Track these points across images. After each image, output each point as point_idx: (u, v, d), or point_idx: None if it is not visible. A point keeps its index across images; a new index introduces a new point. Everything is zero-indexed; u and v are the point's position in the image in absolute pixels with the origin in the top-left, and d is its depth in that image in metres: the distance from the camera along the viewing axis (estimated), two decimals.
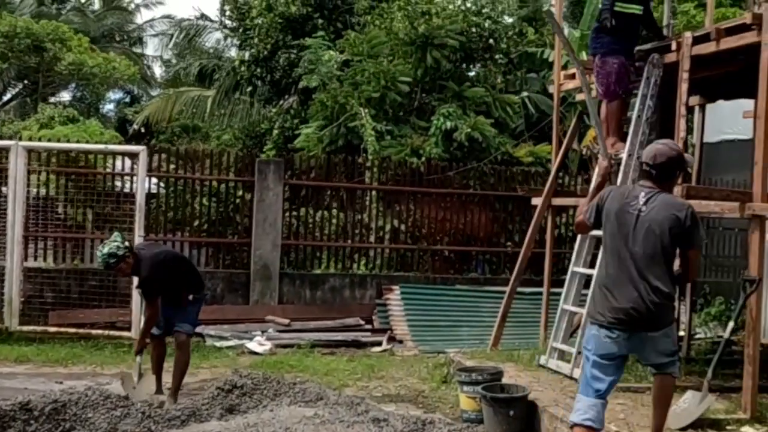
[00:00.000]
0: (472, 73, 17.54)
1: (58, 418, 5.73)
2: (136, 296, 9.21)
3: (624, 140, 7.61)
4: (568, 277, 7.77)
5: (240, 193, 11.36)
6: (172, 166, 10.95)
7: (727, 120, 12.27)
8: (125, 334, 9.37)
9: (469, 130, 14.76)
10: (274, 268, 10.82)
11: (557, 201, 9.34)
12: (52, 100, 29.14)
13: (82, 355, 8.87)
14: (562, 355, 7.57)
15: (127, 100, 34.81)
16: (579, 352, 7.12)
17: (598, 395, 4.71)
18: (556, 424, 5.97)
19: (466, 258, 12.48)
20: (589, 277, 7.72)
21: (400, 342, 10.48)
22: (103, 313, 9.75)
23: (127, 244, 6.63)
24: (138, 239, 9.20)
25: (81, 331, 9.44)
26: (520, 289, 11.72)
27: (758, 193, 6.11)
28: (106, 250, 6.50)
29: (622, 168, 7.35)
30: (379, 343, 10.34)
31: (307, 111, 17.35)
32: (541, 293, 11.71)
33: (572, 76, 9.17)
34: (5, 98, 30.90)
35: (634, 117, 7.45)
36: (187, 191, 11.18)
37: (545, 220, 9.33)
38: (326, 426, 5.88)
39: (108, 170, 10.86)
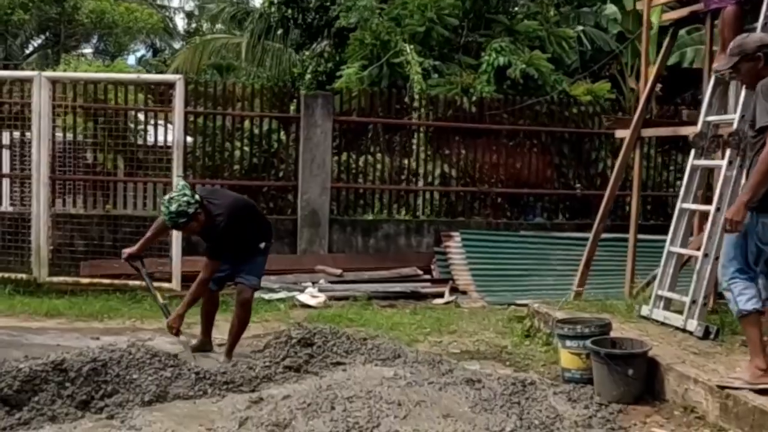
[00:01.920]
0: (518, 8, 16.19)
1: (98, 379, 4.83)
2: (176, 244, 8.30)
3: None
4: (675, 214, 6.71)
5: (282, 132, 10.36)
6: (209, 105, 9.94)
7: None
8: (165, 285, 8.46)
9: (523, 66, 13.63)
10: (323, 214, 9.85)
11: (648, 132, 8.24)
12: (74, 53, 28.29)
13: (118, 308, 8.00)
14: (668, 305, 6.55)
15: (150, 54, 33.88)
16: (693, 301, 6.13)
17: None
18: (687, 384, 4.97)
19: (526, 202, 11.37)
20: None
21: (464, 293, 9.52)
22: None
23: (197, 197, 5.57)
24: (176, 181, 8.24)
25: (116, 282, 8.56)
26: (605, 235, 10.73)
27: None
28: (174, 207, 5.47)
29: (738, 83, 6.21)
30: (441, 295, 9.39)
31: (341, 54, 16.25)
32: (617, 240, 10.74)
33: None
34: (27, 51, 30.08)
35: (760, 25, 6.27)
36: (226, 131, 10.19)
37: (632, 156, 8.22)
38: (414, 389, 4.94)
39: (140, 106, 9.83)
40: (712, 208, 6.22)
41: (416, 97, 11.36)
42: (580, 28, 16.55)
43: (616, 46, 17.13)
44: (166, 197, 5.64)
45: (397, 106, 10.78)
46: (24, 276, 8.54)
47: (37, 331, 6.99)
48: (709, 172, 6.96)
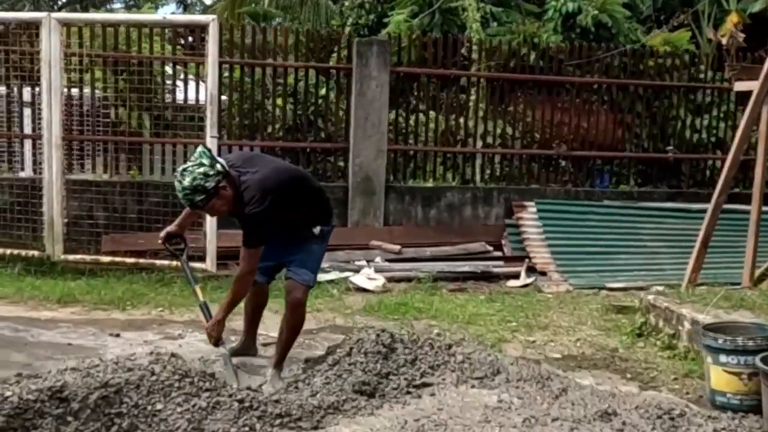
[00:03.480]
0: None
1: (110, 412, 3.60)
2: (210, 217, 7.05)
3: None
4: None
5: (332, 87, 8.99)
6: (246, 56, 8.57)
7: None
8: (197, 265, 7.22)
9: (595, 12, 12.08)
10: (378, 181, 8.51)
11: None
12: (103, 9, 27.13)
13: (143, 293, 6.78)
14: None
15: (181, 10, 32.61)
16: None
17: None
18: None
19: (594, 167, 9.83)
20: None
21: (543, 274, 8.16)
22: None
23: (219, 166, 4.25)
24: (210, 142, 6.97)
25: (141, 261, 7.34)
26: (685, 206, 9.32)
27: None
28: (187, 181, 4.17)
29: None
30: (516, 275, 8.05)
31: (384, 5, 14.84)
32: (724, 211, 9.28)
33: None
34: (56, 7, 29.01)
35: None
36: (265, 85, 8.86)
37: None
38: (530, 426, 3.64)
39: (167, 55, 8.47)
40: None
41: (474, 47, 9.82)
42: None
43: None
44: (179, 168, 4.33)
45: (453, 59, 9.28)
46: (36, 253, 7.36)
47: (46, 324, 5.79)
48: None
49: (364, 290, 7.25)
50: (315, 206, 4.77)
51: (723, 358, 4.30)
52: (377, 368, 4.19)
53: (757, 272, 6.97)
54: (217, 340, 4.66)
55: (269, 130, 8.82)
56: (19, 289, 6.73)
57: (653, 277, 8.11)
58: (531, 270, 8.18)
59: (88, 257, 7.35)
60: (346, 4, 16.45)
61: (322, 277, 7.58)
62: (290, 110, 8.93)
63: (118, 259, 7.32)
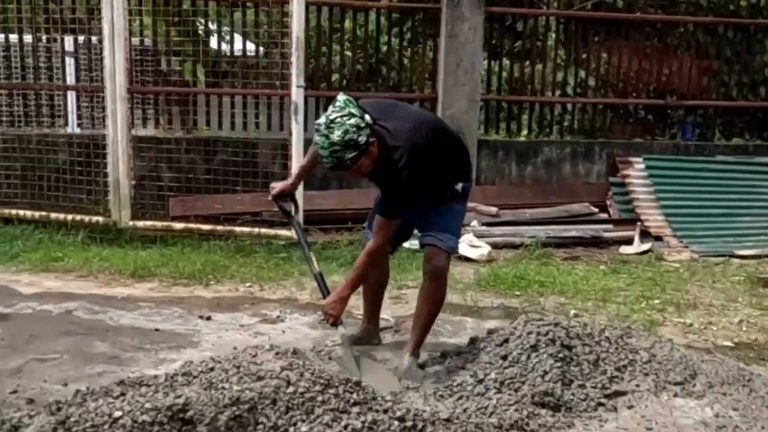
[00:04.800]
0: None
1: None
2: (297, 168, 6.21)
3: None
4: None
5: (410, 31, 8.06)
6: None
7: None
8: (281, 232, 6.47)
9: None
10: (471, 134, 7.60)
11: None
12: None
13: (225, 264, 6.01)
14: None
15: None
16: None
17: None
18: None
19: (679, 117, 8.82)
20: None
21: (658, 239, 7.28)
22: (243, 201, 6.80)
23: (368, 117, 3.52)
24: (296, 93, 6.12)
25: (218, 228, 6.57)
26: None
27: None
28: (338, 135, 3.42)
29: None
30: (628, 241, 7.20)
31: None
32: None
33: None
34: None
35: None
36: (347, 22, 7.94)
37: None
38: None
39: None
40: None
41: None
42: None
43: None
44: (322, 121, 3.51)
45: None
46: (101, 219, 6.62)
47: (124, 303, 5.05)
48: None
49: (469, 259, 6.44)
50: (457, 160, 3.96)
51: None
52: (554, 369, 3.37)
53: None
54: (336, 319, 3.91)
55: (344, 72, 7.91)
56: (87, 261, 6.00)
57: None
58: (644, 234, 7.31)
59: (159, 224, 6.59)
60: None
61: (413, 243, 6.81)
62: (378, 43, 7.97)
63: (193, 225, 6.56)
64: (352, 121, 3.44)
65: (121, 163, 6.48)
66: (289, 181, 4.32)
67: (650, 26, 8.69)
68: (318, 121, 3.55)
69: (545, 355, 3.41)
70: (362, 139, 3.47)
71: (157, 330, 4.55)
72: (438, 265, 3.87)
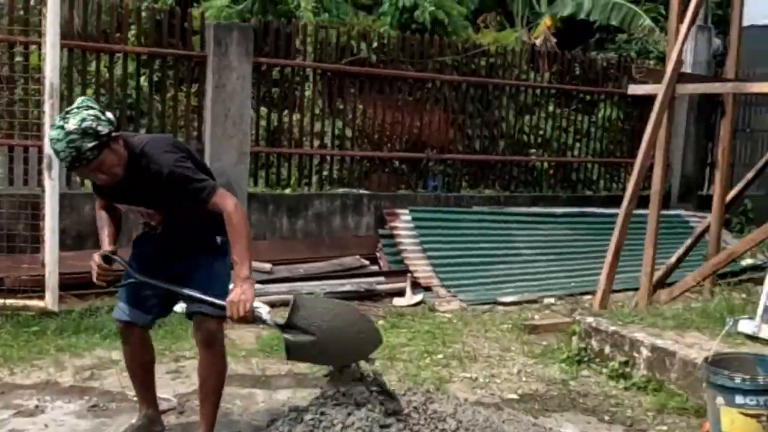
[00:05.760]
0: None
1: None
2: (50, 227, 5.49)
3: None
4: None
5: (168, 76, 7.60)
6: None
7: None
8: (31, 302, 5.65)
9: (432, 8, 11.73)
10: (240, 187, 7.30)
11: (687, 89, 6.60)
12: None
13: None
14: None
15: None
16: None
17: None
18: None
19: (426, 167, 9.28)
20: None
21: (427, 289, 7.47)
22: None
23: (110, 115, 3.26)
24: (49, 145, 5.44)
25: None
26: (549, 211, 9.14)
27: None
28: (74, 122, 3.13)
29: None
30: (400, 292, 7.30)
31: None
32: (579, 215, 9.23)
33: None
34: None
35: None
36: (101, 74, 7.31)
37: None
38: None
39: None
40: None
41: (310, 37, 8.72)
42: None
43: None
44: (59, 116, 3.28)
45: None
46: None
47: None
48: None
49: None
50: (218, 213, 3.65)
51: (740, 399, 3.81)
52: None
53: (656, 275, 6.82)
54: (250, 312, 3.31)
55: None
56: None
57: (537, 287, 7.75)
58: (415, 285, 7.46)
59: None
60: None
61: (184, 306, 6.32)
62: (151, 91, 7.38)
63: None
64: (91, 111, 3.18)
65: None
66: (106, 242, 3.61)
67: (403, 81, 9.02)
68: (56, 119, 3.30)
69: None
70: (102, 129, 3.17)
71: None
72: (209, 330, 3.53)
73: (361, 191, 8.34)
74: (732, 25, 6.91)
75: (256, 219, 7.60)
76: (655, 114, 6.36)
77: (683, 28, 6.45)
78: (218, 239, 3.60)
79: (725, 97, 6.71)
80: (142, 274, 3.50)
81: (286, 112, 8.14)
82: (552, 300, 7.39)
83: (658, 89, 6.40)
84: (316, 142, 8.44)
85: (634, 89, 6.91)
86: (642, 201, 6.88)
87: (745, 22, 7.10)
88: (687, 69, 9.08)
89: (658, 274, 6.93)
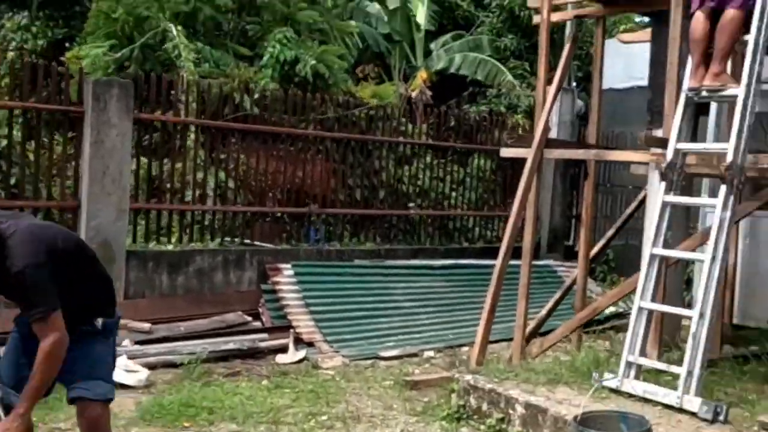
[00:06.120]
0: None
1: None
2: None
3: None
4: (644, 261, 5.51)
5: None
6: None
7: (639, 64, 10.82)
8: None
9: (314, 62, 11.93)
10: (118, 246, 7.16)
11: (554, 154, 7.06)
12: None
13: None
14: (638, 372, 5.35)
15: None
16: (690, 372, 4.98)
17: None
18: None
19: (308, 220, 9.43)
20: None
21: (310, 345, 7.54)
22: None
23: None
24: None
25: None
26: (428, 263, 9.44)
27: None
28: None
29: (738, 109, 5.21)
30: (283, 348, 7.33)
31: (54, 29, 13.30)
32: (455, 267, 9.57)
33: None
34: None
35: (752, 38, 5.29)
36: None
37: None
38: None
39: None
40: (706, 257, 5.12)
41: (192, 90, 8.74)
42: (353, 23, 15.24)
43: (386, 46, 16.16)
44: None
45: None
46: None
47: None
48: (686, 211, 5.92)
49: (126, 386, 5.94)
50: (95, 287, 3.61)
51: None
52: None
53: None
54: None
55: None
56: None
57: (417, 340, 7.99)
58: (298, 341, 7.51)
59: None
60: (7, 24, 14.25)
61: None
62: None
63: None
64: None
65: None
66: None
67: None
68: None
69: None
70: None
71: None
72: (92, 417, 3.48)
73: (244, 247, 8.34)
74: (593, 92, 7.45)
75: (134, 276, 7.45)
76: (526, 177, 6.77)
77: (549, 97, 6.94)
78: (98, 322, 3.56)
79: (588, 162, 7.23)
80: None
81: (166, 160, 8.09)
82: (432, 353, 7.63)
83: (527, 153, 6.81)
84: (198, 192, 8.37)
85: (506, 152, 7.33)
86: (515, 251, 7.23)
87: (604, 86, 7.70)
88: (553, 128, 9.66)
89: (531, 326, 7.30)
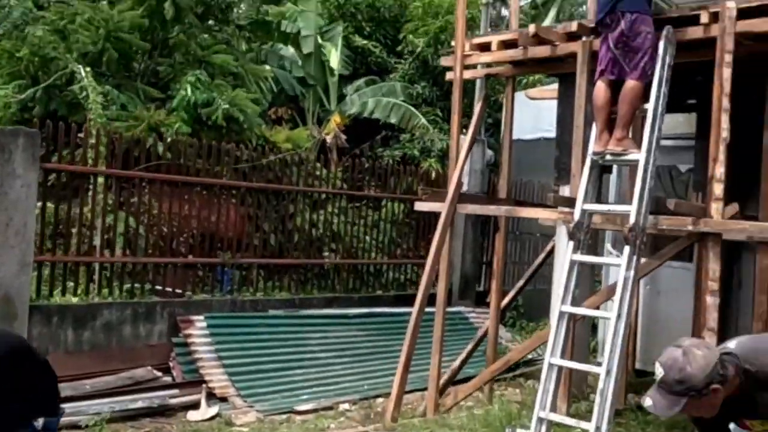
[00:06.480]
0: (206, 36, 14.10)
1: None
2: None
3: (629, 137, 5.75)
4: (554, 318, 5.69)
5: None
6: None
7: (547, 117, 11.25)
8: None
9: (227, 106, 11.87)
10: (21, 301, 6.85)
11: (466, 209, 7.23)
12: None
13: None
14: (549, 428, 5.49)
15: None
16: (598, 428, 5.15)
17: None
18: None
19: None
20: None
21: (223, 399, 7.39)
22: None
23: None
24: None
25: None
26: (343, 312, 9.45)
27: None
28: None
29: (639, 174, 5.49)
30: (196, 405, 7.16)
31: None
32: (369, 315, 9.59)
33: (485, 47, 7.09)
34: None
35: (651, 107, 5.60)
36: None
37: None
38: None
39: None
40: (612, 315, 5.34)
41: (101, 135, 8.50)
42: (268, 67, 15.25)
43: (300, 90, 16.21)
44: None
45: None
46: None
47: None
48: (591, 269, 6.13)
49: None
50: (39, 388, 3.44)
51: None
52: None
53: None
54: None
55: None
56: None
57: (333, 392, 7.95)
58: (211, 396, 7.35)
59: None
60: None
61: None
62: None
63: None
64: None
65: None
66: None
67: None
68: None
69: None
70: None
71: None
72: None
73: (154, 298, 8.14)
74: (503, 148, 7.68)
75: (38, 332, 7.15)
76: (440, 231, 6.91)
77: (462, 152, 7.13)
78: (40, 422, 3.39)
79: (499, 217, 7.43)
80: None
81: (74, 204, 7.85)
82: (347, 405, 7.60)
83: (441, 207, 6.96)
84: (106, 236, 8.12)
85: (421, 206, 7.45)
86: (430, 298, 7.27)
87: (513, 137, 7.94)
88: (465, 176, 9.91)
89: (445, 377, 7.39)
